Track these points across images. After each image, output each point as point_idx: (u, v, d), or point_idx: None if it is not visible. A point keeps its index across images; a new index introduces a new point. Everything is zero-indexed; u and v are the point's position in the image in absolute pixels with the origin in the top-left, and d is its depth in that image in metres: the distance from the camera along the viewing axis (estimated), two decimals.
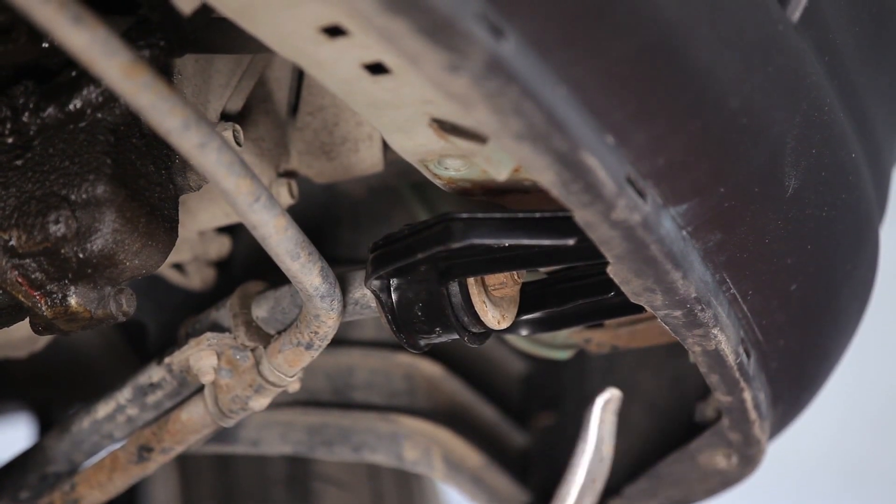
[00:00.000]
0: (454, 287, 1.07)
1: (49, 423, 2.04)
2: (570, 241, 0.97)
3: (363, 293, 1.11)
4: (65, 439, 1.29)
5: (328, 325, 1.10)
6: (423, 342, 1.11)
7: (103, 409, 1.26)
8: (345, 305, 1.10)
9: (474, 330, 1.09)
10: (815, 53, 1.03)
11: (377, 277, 1.06)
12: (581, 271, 1.11)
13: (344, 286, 1.10)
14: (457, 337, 1.09)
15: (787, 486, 3.06)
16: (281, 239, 0.98)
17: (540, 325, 1.15)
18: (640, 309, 1.05)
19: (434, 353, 1.58)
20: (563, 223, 0.97)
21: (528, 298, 1.13)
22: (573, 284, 1.12)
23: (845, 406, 3.04)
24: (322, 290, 1.05)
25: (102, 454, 1.28)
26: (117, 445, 1.27)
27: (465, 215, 0.99)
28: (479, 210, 1.02)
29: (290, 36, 0.86)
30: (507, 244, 1.01)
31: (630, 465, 1.47)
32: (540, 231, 0.99)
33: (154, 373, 1.23)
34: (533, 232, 0.99)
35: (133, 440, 1.25)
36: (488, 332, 1.10)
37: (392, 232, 1.05)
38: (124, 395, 1.25)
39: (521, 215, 1.00)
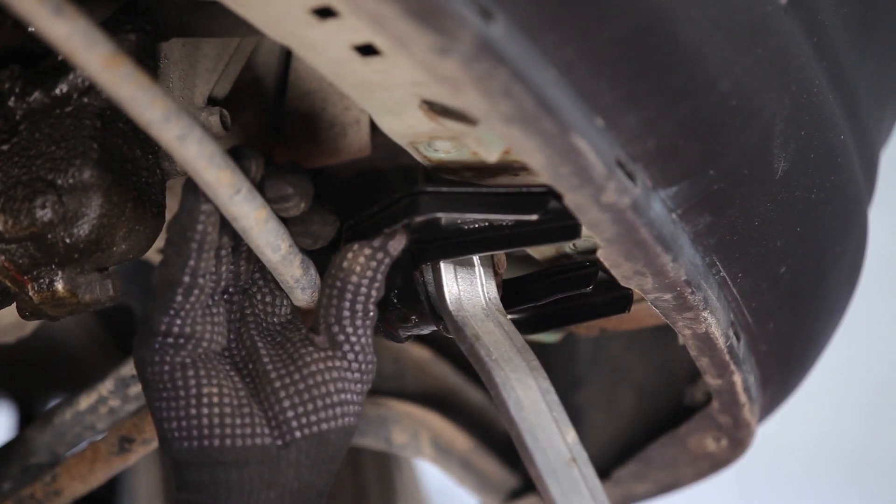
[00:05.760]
0: (429, 276, 1.06)
1: (31, 413, 2.04)
2: (534, 217, 0.97)
3: None
4: (47, 431, 1.28)
5: (309, 316, 1.09)
6: (403, 333, 1.10)
7: (85, 401, 1.26)
8: None
9: None
10: (803, 35, 1.03)
11: None
12: (563, 266, 1.10)
13: None
14: (434, 328, 1.09)
15: (783, 473, 3.07)
16: (261, 231, 0.98)
17: (522, 327, 1.11)
18: (625, 307, 1.05)
19: (422, 336, 1.58)
20: (530, 198, 0.97)
21: (509, 294, 1.10)
22: (554, 279, 1.10)
23: (840, 393, 3.05)
24: (303, 281, 1.05)
25: (84, 445, 1.28)
26: (99, 437, 1.26)
27: (431, 189, 0.99)
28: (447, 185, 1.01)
29: (280, 17, 0.86)
30: (475, 223, 1.00)
31: (619, 448, 1.47)
32: (505, 206, 0.99)
33: None
34: (498, 207, 0.99)
35: (114, 431, 1.24)
36: None
37: (363, 210, 1.05)
38: (106, 386, 1.25)
39: (485, 190, 0.99)
